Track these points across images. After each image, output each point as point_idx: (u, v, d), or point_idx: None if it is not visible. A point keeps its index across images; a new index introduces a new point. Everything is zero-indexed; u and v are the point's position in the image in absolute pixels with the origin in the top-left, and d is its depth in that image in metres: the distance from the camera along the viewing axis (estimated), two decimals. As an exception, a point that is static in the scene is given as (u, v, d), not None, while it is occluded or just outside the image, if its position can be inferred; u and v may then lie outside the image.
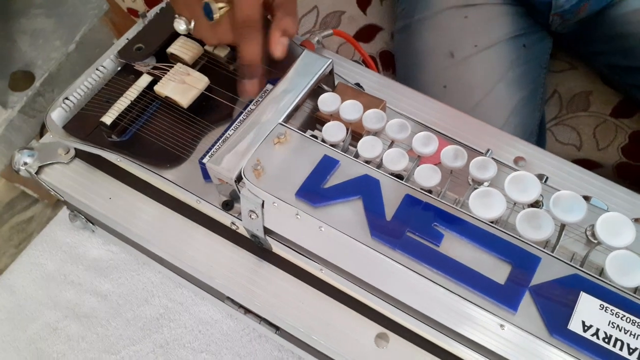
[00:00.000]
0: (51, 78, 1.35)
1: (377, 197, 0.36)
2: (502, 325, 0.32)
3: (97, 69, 0.50)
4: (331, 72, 0.46)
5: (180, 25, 0.46)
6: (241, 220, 0.43)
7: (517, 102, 0.65)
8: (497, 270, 0.33)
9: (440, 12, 0.68)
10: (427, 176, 0.36)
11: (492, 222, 0.35)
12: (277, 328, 0.47)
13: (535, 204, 0.39)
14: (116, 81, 0.50)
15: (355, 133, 0.43)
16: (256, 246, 0.45)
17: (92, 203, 0.48)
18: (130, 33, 0.52)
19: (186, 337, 0.54)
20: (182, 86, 0.47)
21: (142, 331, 0.55)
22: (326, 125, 0.40)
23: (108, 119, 0.46)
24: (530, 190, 0.36)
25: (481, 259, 0.33)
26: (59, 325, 0.56)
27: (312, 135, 0.43)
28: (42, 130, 0.54)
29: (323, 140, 0.40)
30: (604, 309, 0.31)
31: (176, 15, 0.46)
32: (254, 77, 0.45)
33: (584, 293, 0.32)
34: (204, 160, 0.44)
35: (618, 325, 0.31)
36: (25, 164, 0.50)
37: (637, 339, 0.30)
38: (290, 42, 0.50)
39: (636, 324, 0.31)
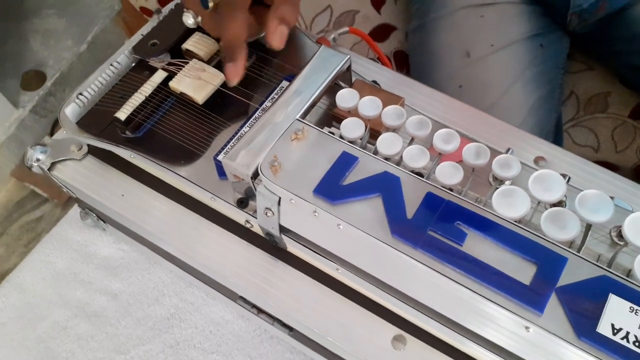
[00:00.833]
0: (62, 78, 1.35)
1: (397, 194, 0.35)
2: (527, 328, 0.31)
3: (111, 65, 0.49)
4: (349, 69, 0.45)
5: (188, 19, 0.45)
6: (256, 218, 0.42)
7: (534, 102, 0.64)
8: (522, 271, 0.32)
9: (455, 11, 0.67)
10: (449, 174, 0.35)
11: (515, 222, 0.34)
12: (290, 329, 0.46)
13: (559, 204, 0.38)
14: (130, 77, 0.49)
15: (373, 130, 0.42)
16: (270, 245, 0.44)
17: (105, 200, 0.48)
18: (145, 29, 0.51)
19: (197, 337, 0.53)
20: (198, 82, 0.46)
21: (152, 331, 0.54)
22: (344, 121, 0.40)
23: (122, 114, 0.46)
24: (554, 189, 0.35)
25: (506, 259, 0.32)
26: (68, 324, 0.56)
27: (329, 132, 0.42)
28: (53, 130, 0.53)
29: (341, 137, 0.40)
30: (635, 311, 0.30)
31: (184, 9, 0.45)
32: (235, 60, 0.43)
33: (613, 295, 0.31)
34: (220, 157, 0.44)
35: (648, 329, 0.30)
36: (38, 160, 0.50)
37: (668, 343, 0.29)
38: (306, 39, 0.50)
39: (668, 327, 0.30)
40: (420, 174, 0.38)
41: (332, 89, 0.44)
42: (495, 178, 0.39)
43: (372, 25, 0.76)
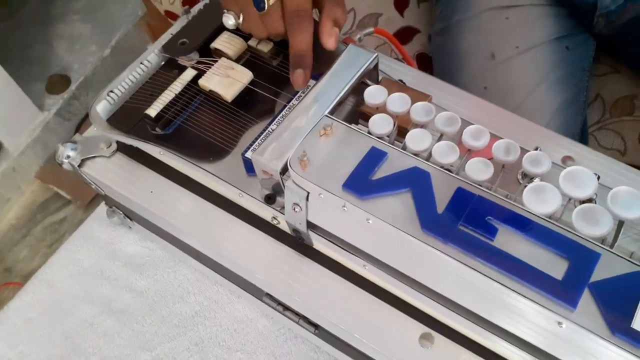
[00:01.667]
0: (86, 82, 1.38)
1: (427, 189, 0.35)
2: (560, 323, 0.31)
3: (141, 63, 0.50)
4: (376, 67, 0.46)
5: (229, 20, 0.46)
6: (283, 214, 0.42)
7: (559, 105, 0.64)
8: (555, 266, 0.32)
9: (480, 13, 0.67)
10: (479, 169, 0.35)
11: (547, 218, 0.34)
12: (316, 327, 0.46)
13: (588, 201, 0.38)
14: (160, 75, 0.50)
15: (401, 127, 0.42)
16: (297, 242, 0.44)
17: (133, 196, 0.49)
18: (174, 28, 0.52)
19: (221, 335, 0.54)
20: (226, 80, 0.47)
21: (177, 328, 0.54)
22: (373, 117, 0.40)
23: (153, 111, 0.46)
24: (586, 186, 0.34)
25: (537, 254, 0.32)
26: (95, 320, 0.56)
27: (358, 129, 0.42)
28: (77, 133, 0.54)
29: (369, 133, 0.40)
30: (670, 308, 0.30)
31: (225, 10, 0.46)
32: (306, 67, 0.44)
33: (647, 291, 0.30)
34: (248, 154, 0.44)
35: (684, 326, 0.29)
36: (68, 157, 0.51)
37: None
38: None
39: None
40: (449, 170, 0.38)
41: (358, 88, 0.45)
42: (524, 175, 0.39)
43: (395, 27, 0.76)
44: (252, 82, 0.47)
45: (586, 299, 0.30)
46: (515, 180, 0.41)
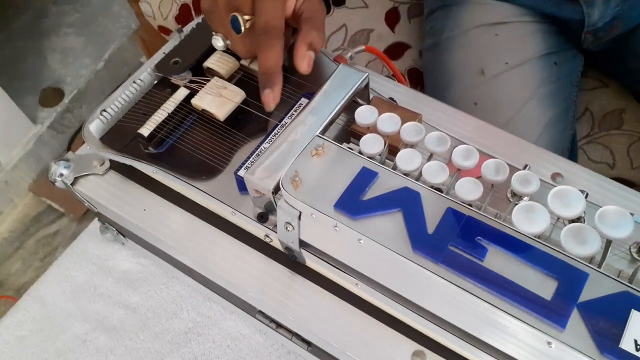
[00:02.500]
0: (80, 95, 1.38)
1: (418, 209, 0.35)
2: (549, 343, 0.31)
3: (134, 82, 0.51)
4: (367, 86, 0.46)
5: (218, 42, 0.46)
6: (276, 232, 0.43)
7: (549, 120, 0.64)
8: (544, 286, 0.32)
9: (470, 29, 0.68)
10: (468, 189, 0.36)
11: (536, 237, 0.34)
12: (308, 344, 0.46)
13: (577, 220, 0.38)
14: (153, 94, 0.50)
15: (392, 147, 0.42)
16: (289, 259, 0.44)
17: (126, 215, 0.49)
18: (167, 47, 0.53)
19: (215, 351, 0.54)
20: (219, 99, 0.47)
21: (170, 345, 0.54)
22: (364, 137, 0.40)
23: (145, 130, 0.47)
24: (574, 205, 0.35)
25: (527, 274, 0.33)
26: (87, 337, 0.56)
27: (348, 148, 0.42)
28: (70, 146, 0.55)
29: (360, 153, 0.40)
30: (657, 327, 0.30)
31: (214, 33, 0.47)
32: (272, 87, 0.44)
33: (635, 311, 0.31)
34: (240, 172, 0.44)
35: (671, 345, 0.30)
36: (61, 175, 0.51)
37: (691, 359, 0.29)
38: (324, 58, 0.51)
39: (691, 343, 0.30)
40: (439, 190, 0.38)
41: (349, 106, 0.45)
42: (513, 194, 0.40)
43: (387, 43, 0.77)
44: (244, 101, 0.48)
45: (575, 319, 0.31)
46: (504, 198, 0.41)
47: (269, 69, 0.44)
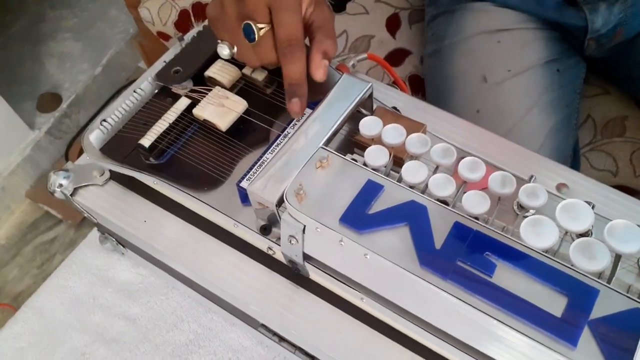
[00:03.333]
0: (78, 100, 1.37)
1: (425, 224, 0.35)
2: (560, 361, 0.31)
3: (134, 91, 0.50)
4: (370, 96, 0.46)
5: (224, 50, 0.46)
6: (279, 245, 0.42)
7: (551, 127, 0.64)
8: (554, 303, 0.32)
9: (472, 36, 0.67)
10: (476, 203, 0.35)
11: (544, 252, 0.34)
12: (312, 358, 0.45)
13: (585, 233, 0.38)
14: (153, 104, 0.50)
15: (396, 158, 0.42)
16: (292, 272, 0.44)
17: (127, 226, 0.48)
18: (168, 56, 0.52)
19: (216, 364, 0.53)
20: (221, 109, 0.46)
21: (171, 357, 0.54)
22: (368, 149, 0.40)
23: (146, 141, 0.46)
24: (582, 219, 0.34)
25: (536, 290, 0.32)
26: (87, 349, 0.55)
27: (352, 159, 0.42)
28: (68, 151, 0.54)
29: (364, 165, 0.40)
30: (670, 345, 0.30)
31: (219, 41, 0.46)
32: (301, 96, 0.44)
33: (647, 328, 0.30)
34: (243, 184, 0.44)
35: (684, 363, 0.29)
36: (61, 185, 0.50)
37: None
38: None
39: None
40: (445, 202, 0.37)
41: (353, 116, 0.44)
42: (520, 206, 0.39)
43: (387, 50, 0.76)
44: (246, 111, 0.47)
45: (586, 337, 0.30)
46: (511, 211, 0.41)
47: (297, 80, 0.44)
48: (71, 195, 0.50)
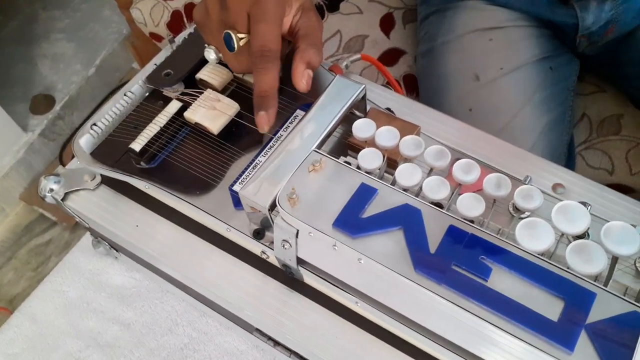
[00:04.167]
0: (71, 101, 1.36)
1: (419, 228, 0.34)
2: (557, 366, 0.30)
3: (125, 95, 0.49)
4: (363, 98, 0.45)
5: (210, 55, 0.45)
6: (272, 249, 0.41)
7: (545, 125, 0.64)
8: (550, 307, 0.31)
9: (464, 35, 0.67)
10: (470, 206, 0.35)
11: (539, 255, 0.34)
12: (307, 361, 0.45)
13: (581, 235, 0.38)
14: (144, 107, 0.49)
15: (390, 160, 0.42)
16: (287, 276, 0.43)
17: (119, 231, 0.48)
18: (159, 58, 0.52)
19: (211, 368, 0.52)
20: (212, 112, 0.46)
21: (166, 362, 0.53)
22: (362, 152, 0.39)
23: (137, 145, 0.46)
24: (578, 221, 0.34)
25: (532, 294, 0.32)
26: (81, 355, 0.55)
27: (345, 162, 0.41)
28: (62, 153, 0.53)
29: (358, 168, 0.39)
30: (667, 348, 0.29)
31: (206, 45, 0.46)
32: (267, 109, 0.43)
33: (644, 331, 0.30)
34: (235, 188, 0.43)
35: (682, 366, 0.29)
36: (52, 190, 0.50)
37: (703, 381, 0.29)
38: (319, 68, 0.50)
39: (702, 365, 0.29)
40: (440, 205, 0.37)
41: (346, 118, 0.44)
42: (516, 208, 0.39)
43: (382, 49, 0.76)
44: (238, 114, 0.47)
45: (583, 341, 0.30)
46: (507, 212, 0.40)
47: (264, 92, 0.43)
48: (62, 200, 0.50)
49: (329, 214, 0.36)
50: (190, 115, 0.46)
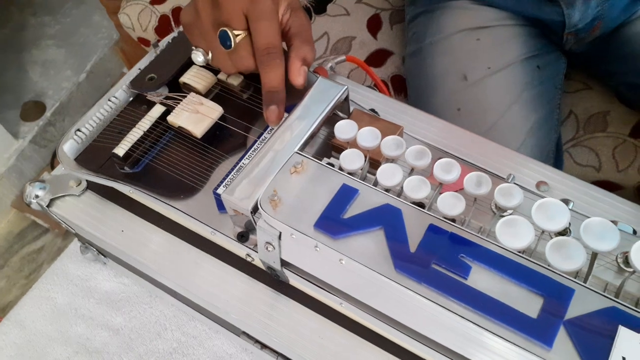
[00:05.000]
0: (62, 107, 1.36)
1: (399, 227, 0.34)
2: (536, 363, 0.30)
3: (109, 100, 0.49)
4: (346, 99, 0.45)
5: (198, 57, 0.45)
6: (257, 252, 0.41)
7: (533, 123, 0.64)
8: (529, 304, 0.31)
9: (451, 35, 0.67)
10: (451, 204, 0.35)
11: (520, 252, 0.34)
12: (295, 363, 0.45)
13: (563, 232, 0.38)
14: (128, 112, 0.49)
15: (373, 160, 0.42)
16: (272, 279, 0.43)
17: (104, 236, 0.47)
18: (142, 63, 0.52)
19: (200, 372, 0.52)
20: (196, 116, 0.46)
21: (155, 367, 0.53)
22: (344, 153, 0.39)
23: (120, 150, 0.46)
24: (558, 218, 0.34)
25: (511, 291, 0.32)
26: (70, 361, 0.55)
27: (329, 163, 0.41)
28: (53, 160, 0.53)
29: (340, 169, 0.39)
30: (645, 343, 0.29)
31: (193, 48, 0.46)
32: (279, 103, 0.43)
33: (622, 327, 0.30)
34: (219, 191, 0.43)
35: (660, 361, 0.29)
36: (37, 196, 0.50)
37: (681, 375, 0.29)
38: (304, 69, 0.50)
39: (680, 359, 0.29)
40: (421, 205, 0.37)
41: (330, 119, 0.44)
42: (498, 207, 0.39)
43: (369, 50, 0.76)
44: (222, 117, 0.47)
45: (562, 337, 0.30)
46: (489, 210, 0.40)
47: (275, 87, 0.43)
48: (48, 206, 0.50)
49: (311, 215, 0.36)
50: (174, 119, 0.46)
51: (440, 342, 0.34)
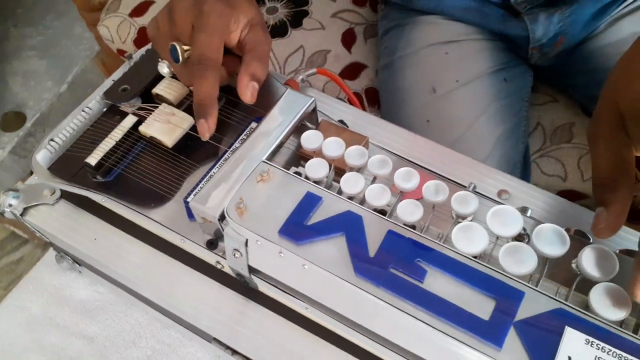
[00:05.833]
0: (42, 118, 1.36)
1: (360, 233, 0.36)
2: (488, 362, 0.32)
3: (83, 110, 0.50)
4: (314, 110, 0.47)
5: (163, 68, 0.46)
6: (226, 259, 0.43)
7: (500, 134, 0.66)
8: (481, 306, 0.33)
9: (421, 49, 0.69)
10: (409, 211, 0.36)
11: (475, 257, 0.35)
12: (264, 369, 0.46)
13: (520, 238, 0.39)
14: (102, 122, 0.50)
15: (339, 169, 0.43)
16: (242, 285, 0.44)
17: (78, 244, 0.48)
18: (117, 74, 0.53)
19: (173, 379, 0.53)
20: (167, 126, 0.47)
21: (128, 375, 0.53)
22: (309, 162, 0.41)
23: (93, 159, 0.46)
24: (512, 224, 0.36)
25: (465, 294, 0.33)
26: (43, 370, 0.55)
27: (297, 172, 0.43)
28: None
29: (306, 177, 0.41)
30: (590, 343, 0.31)
31: (159, 59, 0.47)
32: (206, 117, 0.44)
33: (568, 327, 0.31)
34: (189, 199, 0.44)
35: (604, 360, 0.31)
36: (10, 205, 0.50)
37: (624, 372, 0.30)
38: (275, 82, 0.51)
39: (622, 358, 0.31)
40: (383, 212, 0.39)
41: (299, 130, 0.45)
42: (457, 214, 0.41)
43: (344, 64, 0.78)
44: (193, 127, 0.48)
45: (512, 338, 0.32)
46: (449, 218, 0.42)
47: (203, 100, 0.44)
48: (21, 215, 0.50)
49: (276, 222, 0.37)
50: (145, 129, 0.47)
51: (398, 344, 0.35)
